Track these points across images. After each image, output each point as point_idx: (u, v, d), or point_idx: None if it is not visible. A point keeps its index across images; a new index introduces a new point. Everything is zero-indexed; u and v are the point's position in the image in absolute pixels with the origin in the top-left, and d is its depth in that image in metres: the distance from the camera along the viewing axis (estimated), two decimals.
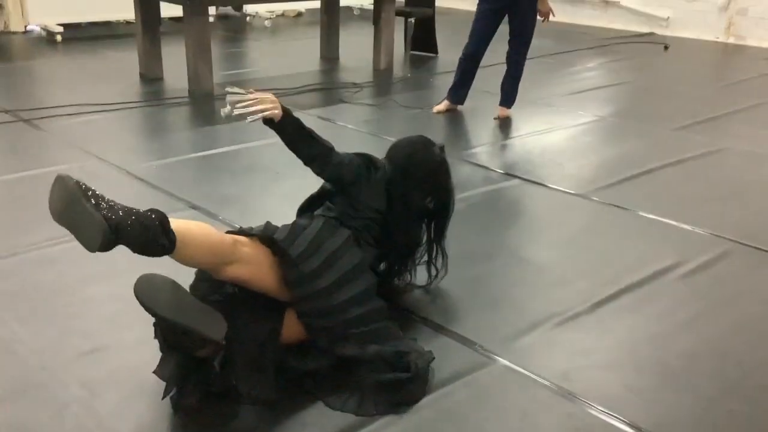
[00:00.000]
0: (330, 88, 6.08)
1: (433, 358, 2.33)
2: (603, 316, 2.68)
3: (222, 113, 2.30)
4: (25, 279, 2.83)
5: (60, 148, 4.40)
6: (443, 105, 5.47)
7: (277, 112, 2.33)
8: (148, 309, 1.95)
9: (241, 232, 2.26)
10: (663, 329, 2.60)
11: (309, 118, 4.89)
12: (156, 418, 2.07)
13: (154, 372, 2.06)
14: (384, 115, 5.36)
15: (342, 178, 2.49)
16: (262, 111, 2.31)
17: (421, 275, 2.80)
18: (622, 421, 2.12)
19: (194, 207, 3.53)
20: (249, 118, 2.30)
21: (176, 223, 1.99)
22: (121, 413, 2.08)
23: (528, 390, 2.25)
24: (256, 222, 2.43)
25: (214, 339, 1.98)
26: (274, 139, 2.48)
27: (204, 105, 5.51)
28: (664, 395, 2.25)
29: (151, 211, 1.95)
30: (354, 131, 4.90)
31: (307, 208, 2.61)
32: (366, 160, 2.57)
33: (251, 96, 2.31)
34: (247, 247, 2.18)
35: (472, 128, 5.28)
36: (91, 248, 1.85)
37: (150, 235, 1.90)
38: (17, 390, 2.17)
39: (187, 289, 2.14)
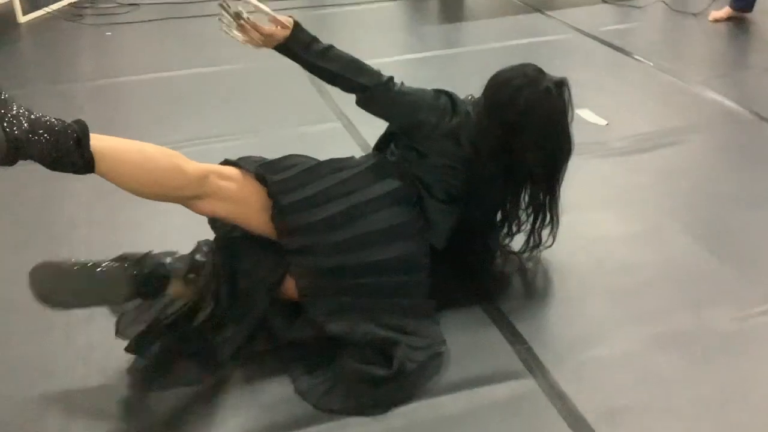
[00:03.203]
0: None
1: (440, 353, 1.86)
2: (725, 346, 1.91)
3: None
4: None
5: None
6: (724, 12, 4.39)
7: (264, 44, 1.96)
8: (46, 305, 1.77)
9: (234, 163, 1.93)
10: None
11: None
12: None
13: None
14: (643, 23, 4.47)
15: (391, 120, 2.03)
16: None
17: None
18: None
19: None
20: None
21: (104, 143, 1.72)
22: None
23: (552, 424, 1.69)
24: None
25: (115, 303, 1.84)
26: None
27: None
28: None
29: (74, 123, 1.69)
30: (593, 43, 4.17)
31: (377, 146, 2.20)
32: (443, 101, 2.03)
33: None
34: (231, 181, 1.87)
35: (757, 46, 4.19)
36: None
37: (60, 151, 1.66)
38: None
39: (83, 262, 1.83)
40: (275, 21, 1.97)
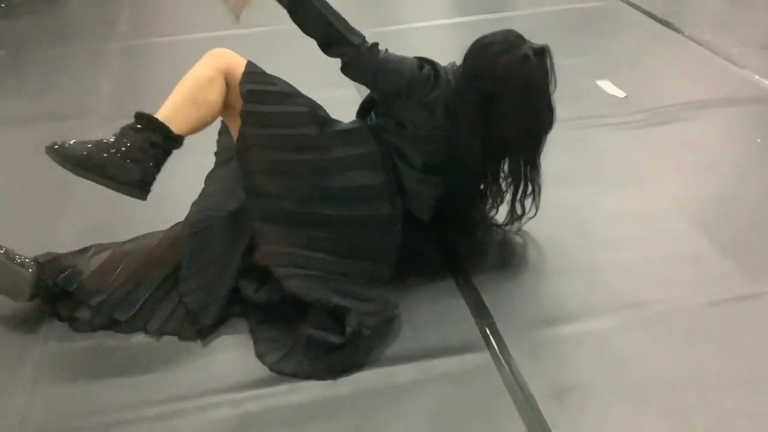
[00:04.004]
0: None
1: (392, 318, 1.88)
2: (703, 322, 1.87)
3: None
4: None
5: None
6: None
7: None
8: None
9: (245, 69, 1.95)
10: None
11: None
12: None
13: None
14: None
15: (374, 86, 2.02)
16: None
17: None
18: None
19: None
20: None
21: (162, 111, 1.89)
22: None
23: (497, 398, 1.68)
24: None
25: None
26: None
27: None
28: None
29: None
30: (634, 12, 4.02)
31: (359, 112, 2.19)
32: (426, 71, 1.97)
33: None
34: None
35: None
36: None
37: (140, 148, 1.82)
38: None
39: None
40: None
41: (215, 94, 1.92)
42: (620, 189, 2.43)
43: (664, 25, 3.75)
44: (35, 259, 1.95)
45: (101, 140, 1.82)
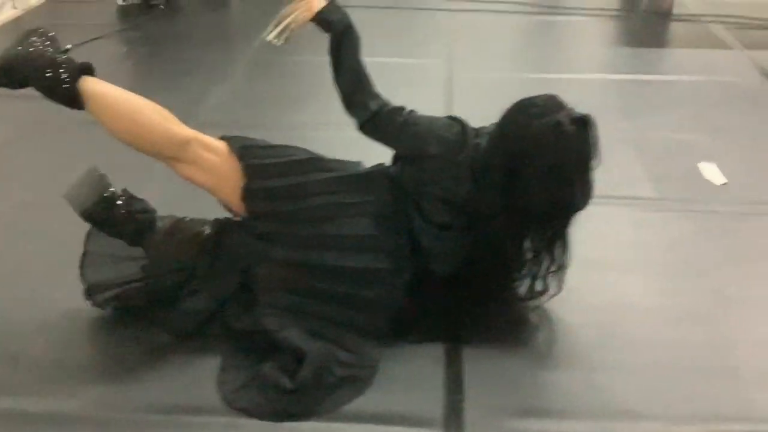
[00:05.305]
0: None
1: (362, 378, 1.79)
2: None
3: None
4: None
5: None
6: None
7: (305, 15, 1.93)
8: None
9: (222, 137, 1.97)
10: None
11: None
12: None
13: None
14: None
15: (398, 149, 1.97)
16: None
17: None
18: None
19: None
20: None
21: (99, 86, 1.90)
22: None
23: None
24: None
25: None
26: None
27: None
28: None
29: (81, 63, 1.90)
30: None
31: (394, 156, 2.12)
32: (455, 132, 1.91)
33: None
34: (214, 154, 1.92)
35: None
36: None
37: (53, 81, 1.85)
38: None
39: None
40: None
41: (159, 136, 1.90)
42: (668, 283, 2.20)
43: None
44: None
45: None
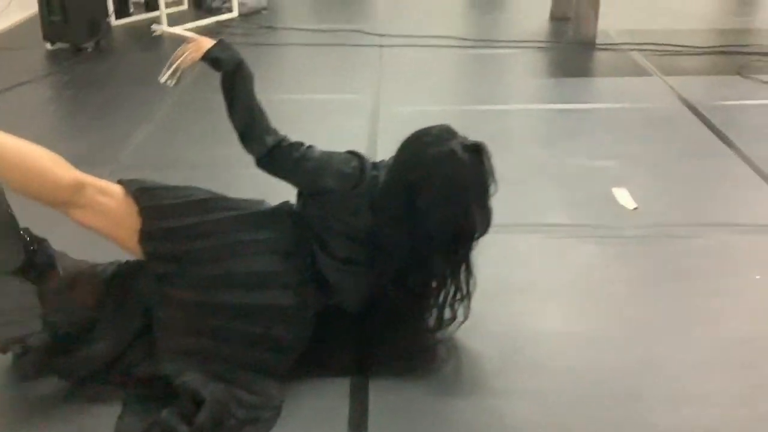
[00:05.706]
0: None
1: (268, 414, 1.78)
2: None
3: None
4: None
5: None
6: None
7: (193, 55, 1.96)
8: None
9: (119, 180, 1.97)
10: None
11: None
12: None
13: None
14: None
15: (291, 183, 1.98)
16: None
17: None
18: None
19: None
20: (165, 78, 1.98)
21: None
22: None
23: None
24: None
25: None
26: None
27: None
28: None
29: None
30: (691, 117, 3.77)
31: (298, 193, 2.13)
32: (353, 166, 1.93)
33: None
34: (110, 198, 1.91)
35: None
36: None
37: None
38: None
39: None
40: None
41: (47, 182, 1.86)
42: (576, 308, 2.25)
43: (718, 137, 3.47)
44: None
45: None
